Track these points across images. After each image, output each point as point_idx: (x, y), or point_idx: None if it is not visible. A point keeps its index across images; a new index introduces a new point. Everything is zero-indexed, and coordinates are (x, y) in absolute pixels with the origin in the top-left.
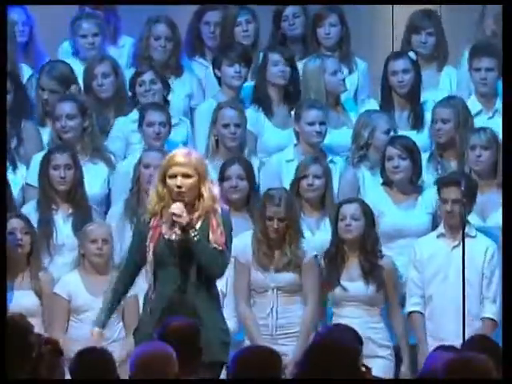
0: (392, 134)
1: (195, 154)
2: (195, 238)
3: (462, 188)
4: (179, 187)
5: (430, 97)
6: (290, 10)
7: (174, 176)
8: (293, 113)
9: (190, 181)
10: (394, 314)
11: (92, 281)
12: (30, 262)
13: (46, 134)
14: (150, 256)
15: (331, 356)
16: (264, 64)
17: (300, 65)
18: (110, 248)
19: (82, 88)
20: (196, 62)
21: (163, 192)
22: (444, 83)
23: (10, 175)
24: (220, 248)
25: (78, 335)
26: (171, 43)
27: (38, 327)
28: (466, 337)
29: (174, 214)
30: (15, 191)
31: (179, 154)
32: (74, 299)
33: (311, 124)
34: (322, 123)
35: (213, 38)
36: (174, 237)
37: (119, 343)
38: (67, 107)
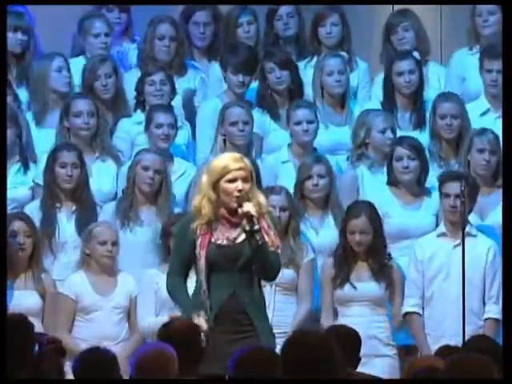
0: (389, 132)
1: (245, 158)
2: (260, 242)
3: (462, 187)
4: (240, 191)
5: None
6: (283, 9)
7: (233, 180)
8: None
9: (248, 185)
10: (396, 314)
11: (99, 281)
12: (32, 265)
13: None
14: (202, 263)
15: (297, 351)
16: (262, 72)
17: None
18: (117, 249)
19: (83, 88)
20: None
21: (215, 197)
22: (432, 80)
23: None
24: (278, 251)
25: (87, 335)
26: (175, 43)
27: (39, 327)
28: (467, 336)
29: (249, 212)
30: (23, 191)
31: (235, 158)
32: (81, 299)
33: (298, 123)
34: (309, 122)
35: (202, 39)
36: (225, 242)
37: (126, 343)
38: (87, 105)
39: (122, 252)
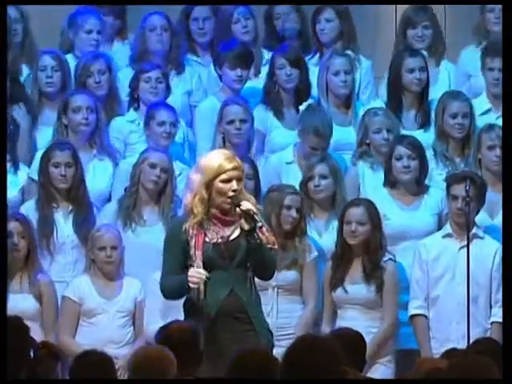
0: (384, 133)
1: (235, 156)
2: (258, 240)
3: (467, 187)
4: (235, 191)
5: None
6: (281, 8)
7: (228, 180)
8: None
9: (241, 185)
10: (386, 318)
11: (103, 284)
12: (28, 266)
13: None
14: (198, 264)
15: (306, 355)
16: (271, 67)
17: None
18: (119, 254)
19: (76, 86)
20: (188, 59)
21: (207, 197)
22: (443, 79)
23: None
24: (275, 247)
25: (90, 338)
26: (167, 33)
27: (37, 331)
28: (472, 339)
29: (251, 210)
30: (15, 191)
31: (229, 158)
32: (85, 303)
33: (314, 149)
34: (322, 148)
35: (203, 35)
36: (220, 240)
37: (130, 346)
38: (86, 100)
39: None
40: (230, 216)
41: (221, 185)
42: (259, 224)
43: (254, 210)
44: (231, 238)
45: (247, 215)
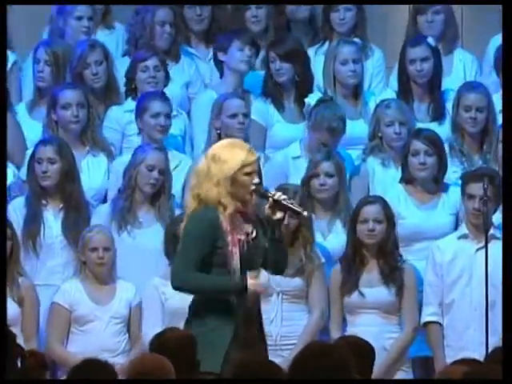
0: (396, 126)
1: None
2: (281, 233)
3: (485, 185)
4: (256, 184)
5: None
6: None
7: (250, 173)
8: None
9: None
10: (407, 323)
11: (95, 289)
12: (9, 268)
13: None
14: (235, 262)
15: (314, 362)
16: (267, 59)
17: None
18: (111, 256)
19: (70, 76)
20: (183, 50)
21: (230, 189)
22: (457, 69)
23: None
24: (305, 213)
25: (82, 347)
26: (174, 29)
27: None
28: (490, 347)
29: (286, 198)
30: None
31: (251, 150)
32: (77, 309)
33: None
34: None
35: (199, 22)
36: (245, 237)
37: (125, 355)
38: (76, 96)
39: (119, 257)
40: (249, 210)
41: (244, 177)
42: (305, 214)
43: (288, 199)
44: (253, 234)
45: (280, 205)
